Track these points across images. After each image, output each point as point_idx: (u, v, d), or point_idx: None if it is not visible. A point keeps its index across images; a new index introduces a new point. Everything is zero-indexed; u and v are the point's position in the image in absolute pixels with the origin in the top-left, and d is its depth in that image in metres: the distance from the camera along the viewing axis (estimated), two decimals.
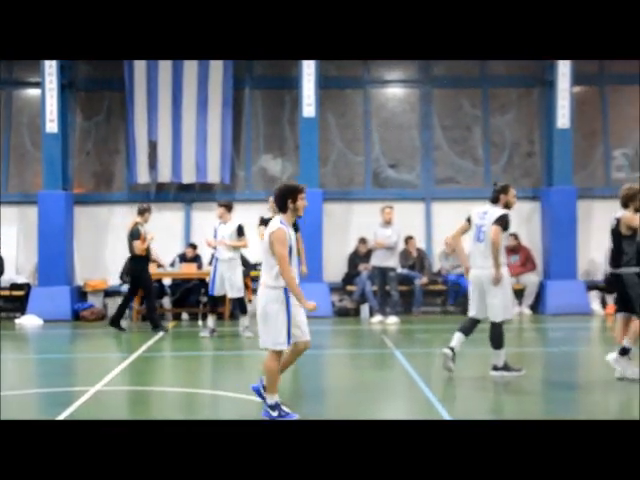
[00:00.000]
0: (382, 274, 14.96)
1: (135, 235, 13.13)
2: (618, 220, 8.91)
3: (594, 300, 15.95)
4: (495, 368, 9.05)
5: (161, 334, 13.06)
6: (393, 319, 14.73)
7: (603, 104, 17.08)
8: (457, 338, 9.19)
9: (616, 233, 8.95)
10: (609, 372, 8.94)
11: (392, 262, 14.98)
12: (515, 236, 15.76)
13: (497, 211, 9.02)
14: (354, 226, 16.50)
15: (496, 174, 16.89)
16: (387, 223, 14.96)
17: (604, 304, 15.89)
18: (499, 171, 16.95)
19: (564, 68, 15.94)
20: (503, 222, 8.92)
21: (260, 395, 7.25)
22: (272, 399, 7.01)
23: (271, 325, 6.86)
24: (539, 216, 16.50)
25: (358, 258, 16.20)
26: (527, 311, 15.84)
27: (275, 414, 6.96)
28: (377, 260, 14.97)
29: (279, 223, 6.88)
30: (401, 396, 8.51)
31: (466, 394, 8.50)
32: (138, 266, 13.36)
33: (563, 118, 16.04)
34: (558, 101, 16.04)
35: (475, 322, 9.24)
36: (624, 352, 8.80)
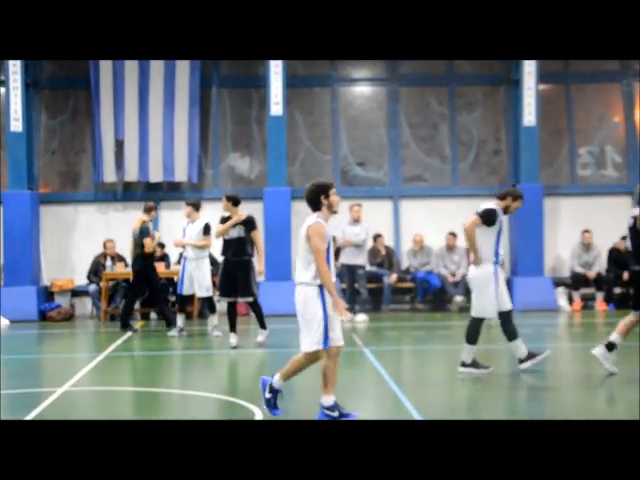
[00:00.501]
0: (351, 272, 15.02)
1: (145, 233, 12.94)
2: (635, 218, 8.74)
3: (561, 296, 16.09)
4: (463, 364, 9.05)
5: (129, 334, 12.99)
6: (362, 317, 14.76)
7: (568, 102, 17.23)
8: (516, 347, 9.12)
9: (634, 231, 8.80)
10: (577, 369, 9.01)
11: (361, 260, 15.05)
12: None
13: (487, 204, 8.98)
14: None
15: (463, 172, 17.02)
16: (355, 221, 15.03)
17: (571, 300, 16.05)
18: (466, 169, 17.07)
19: (530, 67, 16.08)
20: (485, 215, 8.82)
21: (263, 389, 7.05)
22: (329, 400, 6.79)
23: (312, 326, 6.68)
24: None
25: None
26: None
27: (335, 414, 6.74)
28: (346, 258, 15.02)
29: (316, 218, 6.74)
30: (370, 395, 8.52)
31: (435, 392, 8.52)
32: (147, 265, 13.21)
33: (529, 116, 16.16)
34: (524, 99, 16.17)
35: (504, 316, 9.14)
36: (611, 347, 8.75)
